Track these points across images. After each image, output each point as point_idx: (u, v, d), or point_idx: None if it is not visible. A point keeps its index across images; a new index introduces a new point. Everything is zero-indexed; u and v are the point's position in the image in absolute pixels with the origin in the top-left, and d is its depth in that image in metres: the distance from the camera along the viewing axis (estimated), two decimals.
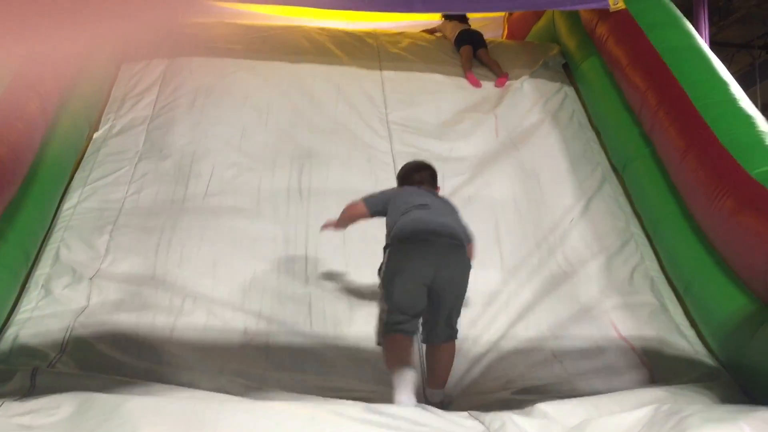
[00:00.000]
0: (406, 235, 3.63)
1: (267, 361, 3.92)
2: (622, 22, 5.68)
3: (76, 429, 2.75)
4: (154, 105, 5.76)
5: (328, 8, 7.15)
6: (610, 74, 5.79)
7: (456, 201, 4.81)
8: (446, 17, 7.31)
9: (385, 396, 3.42)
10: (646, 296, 4.48)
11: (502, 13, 8.44)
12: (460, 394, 3.78)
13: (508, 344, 4.14)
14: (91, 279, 4.26)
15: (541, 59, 6.62)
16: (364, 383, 3.76)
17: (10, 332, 3.88)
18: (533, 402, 3.22)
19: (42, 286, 4.20)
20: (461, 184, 5.19)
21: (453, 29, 7.05)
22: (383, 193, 4.01)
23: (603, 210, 5.14)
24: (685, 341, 4.15)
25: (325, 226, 4.18)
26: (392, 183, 4.40)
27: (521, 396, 3.65)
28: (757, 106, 4.87)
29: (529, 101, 6.15)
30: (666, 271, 4.65)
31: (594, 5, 5.88)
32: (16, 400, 3.01)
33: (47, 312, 4.02)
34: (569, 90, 6.35)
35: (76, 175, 5.11)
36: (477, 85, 6.37)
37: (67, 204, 4.86)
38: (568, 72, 6.59)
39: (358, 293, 4.35)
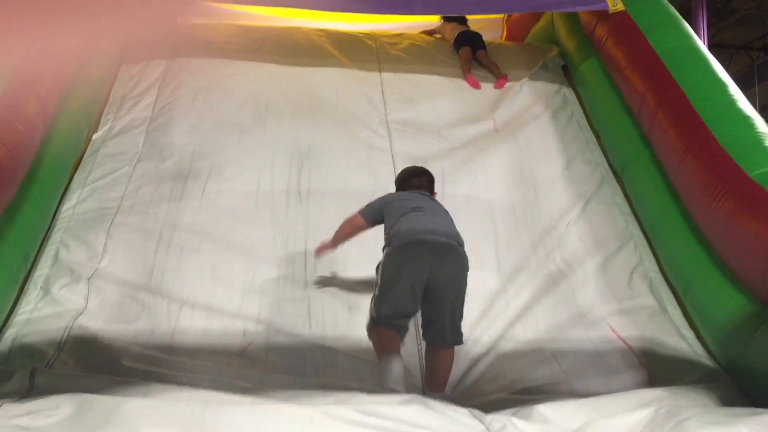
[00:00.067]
0: (403, 235, 3.69)
1: (266, 362, 3.92)
2: (621, 23, 5.68)
3: (75, 430, 2.74)
4: (154, 106, 5.76)
5: (327, 10, 7.15)
6: (609, 76, 5.80)
7: (455, 202, 4.84)
8: (445, 19, 7.32)
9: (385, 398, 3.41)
10: (645, 298, 4.48)
11: (501, 15, 8.46)
12: (459, 395, 3.78)
13: (507, 345, 4.14)
14: (89, 279, 4.25)
15: (541, 61, 6.63)
16: (363, 384, 3.76)
17: (9, 333, 3.87)
18: (532, 402, 3.22)
19: (41, 287, 4.20)
20: (460, 186, 5.19)
21: (452, 31, 7.06)
22: (378, 201, 4.06)
23: (602, 211, 5.14)
24: (684, 342, 4.15)
25: (320, 250, 4.22)
26: (392, 182, 4.42)
27: (520, 396, 3.65)
28: (755, 107, 4.88)
29: (529, 103, 6.15)
30: (665, 272, 4.65)
31: (593, 7, 5.88)
32: (15, 401, 3.00)
33: (46, 313, 4.01)
34: (568, 91, 6.35)
35: (75, 176, 5.11)
36: (476, 86, 6.37)
37: (66, 205, 4.85)
38: (567, 73, 6.59)
39: (357, 295, 4.35)
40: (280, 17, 7.54)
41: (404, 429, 2.90)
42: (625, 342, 4.17)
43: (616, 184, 5.40)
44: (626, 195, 5.29)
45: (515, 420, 3.02)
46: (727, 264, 4.08)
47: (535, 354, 4.09)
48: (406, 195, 4.01)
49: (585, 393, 3.58)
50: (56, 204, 4.85)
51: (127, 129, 5.54)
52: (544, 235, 4.91)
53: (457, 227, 3.89)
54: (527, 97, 6.20)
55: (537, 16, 7.57)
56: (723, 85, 4.83)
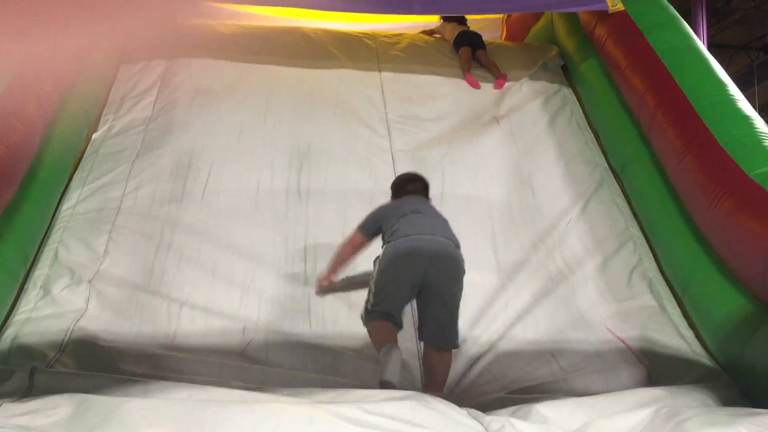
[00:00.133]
0: (402, 234, 3.78)
1: (266, 361, 3.92)
2: (621, 23, 5.68)
3: (75, 430, 2.75)
4: (153, 106, 5.76)
5: (327, 10, 7.15)
6: (609, 76, 5.80)
7: (454, 202, 4.85)
8: (445, 19, 7.31)
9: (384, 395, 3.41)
10: (644, 297, 4.48)
11: (501, 15, 8.45)
12: (458, 394, 3.78)
13: (507, 345, 4.14)
14: (90, 281, 4.25)
15: (540, 61, 6.62)
16: (363, 382, 3.76)
17: (9, 333, 3.87)
18: (531, 402, 3.21)
19: (41, 286, 4.20)
20: (459, 186, 5.19)
21: (452, 31, 7.06)
22: (373, 214, 4.14)
23: (601, 211, 5.14)
24: (683, 342, 4.15)
25: (320, 285, 4.27)
26: (392, 182, 4.41)
27: (520, 396, 3.65)
28: (755, 107, 4.88)
29: (528, 102, 6.15)
30: (664, 272, 4.66)
31: (593, 7, 5.88)
32: (14, 401, 3.01)
33: (46, 313, 4.01)
34: (568, 91, 6.35)
35: (75, 176, 5.11)
36: (476, 86, 6.37)
37: (66, 204, 4.85)
38: (566, 73, 6.59)
39: (356, 293, 4.34)
40: (281, 17, 7.54)
41: (403, 428, 2.90)
42: (624, 342, 4.17)
43: (616, 184, 5.40)
44: (626, 195, 5.29)
45: (514, 420, 3.03)
46: (727, 264, 4.08)
47: (534, 353, 4.10)
48: (401, 201, 4.10)
49: (584, 392, 3.58)
50: (56, 204, 4.85)
51: (126, 129, 5.53)
52: (544, 235, 4.92)
53: (456, 227, 3.91)
54: (527, 97, 6.20)
55: (537, 16, 7.57)
56: (722, 85, 4.83)
